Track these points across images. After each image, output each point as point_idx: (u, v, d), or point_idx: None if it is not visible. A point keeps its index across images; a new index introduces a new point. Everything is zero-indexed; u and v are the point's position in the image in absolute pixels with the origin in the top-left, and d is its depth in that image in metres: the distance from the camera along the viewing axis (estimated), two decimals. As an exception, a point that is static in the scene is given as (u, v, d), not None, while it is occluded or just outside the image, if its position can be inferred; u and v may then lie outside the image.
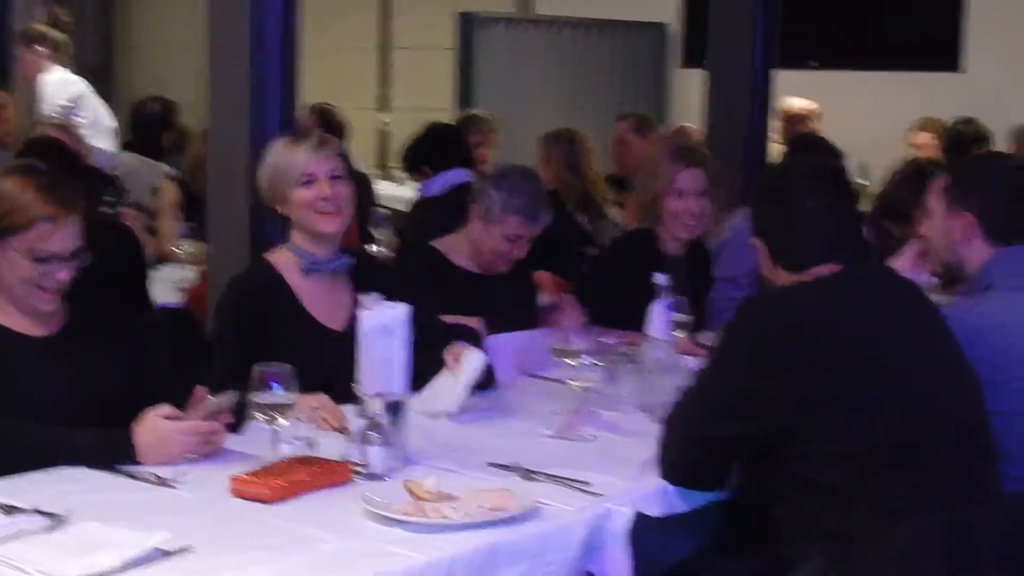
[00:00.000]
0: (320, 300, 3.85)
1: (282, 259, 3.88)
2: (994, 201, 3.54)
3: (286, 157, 3.83)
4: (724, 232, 5.41)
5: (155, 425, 3.16)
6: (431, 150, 6.88)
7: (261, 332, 3.72)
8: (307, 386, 3.23)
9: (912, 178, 5.69)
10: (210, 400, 3.17)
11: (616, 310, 4.35)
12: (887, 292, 3.19)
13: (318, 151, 3.82)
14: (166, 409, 3.17)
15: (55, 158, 4.73)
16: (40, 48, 8.37)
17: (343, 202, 3.82)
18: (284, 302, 3.82)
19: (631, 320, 4.37)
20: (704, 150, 5.15)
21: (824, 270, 3.16)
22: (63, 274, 3.27)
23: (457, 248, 4.75)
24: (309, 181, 3.79)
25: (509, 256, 4.69)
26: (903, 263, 4.34)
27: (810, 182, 3.25)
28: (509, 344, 4.30)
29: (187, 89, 10.96)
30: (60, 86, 8.30)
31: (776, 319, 3.09)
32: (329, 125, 6.85)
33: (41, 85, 8.33)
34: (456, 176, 6.60)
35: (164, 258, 6.25)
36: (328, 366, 3.49)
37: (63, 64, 8.44)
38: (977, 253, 3.53)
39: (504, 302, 4.64)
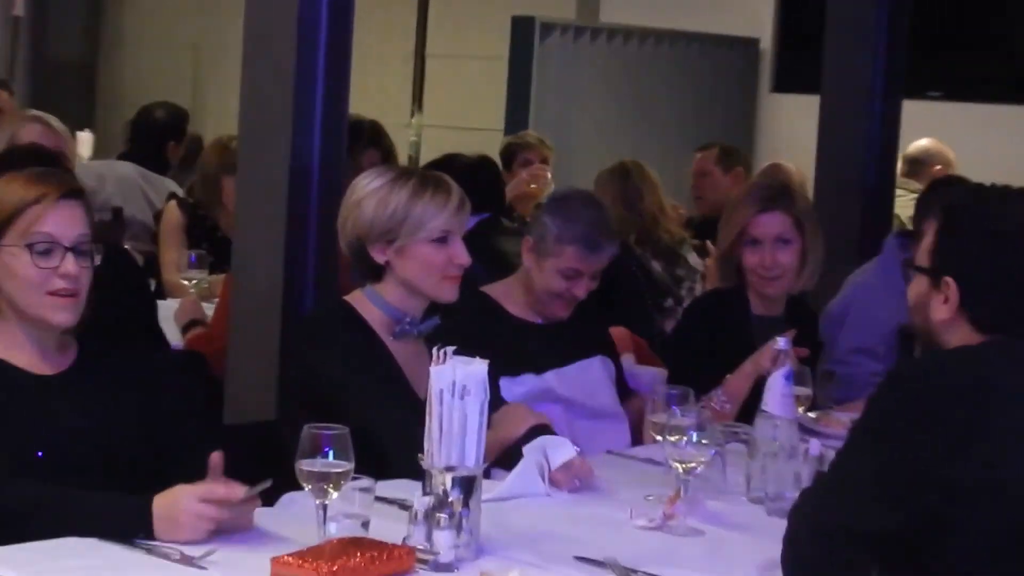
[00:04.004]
0: (409, 363, 3.93)
1: (367, 311, 3.95)
2: None
3: (419, 205, 3.88)
4: (847, 291, 5.36)
5: (172, 497, 3.13)
6: (476, 185, 6.76)
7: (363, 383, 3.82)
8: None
9: None
10: (250, 491, 3.13)
11: (703, 384, 4.33)
12: None
13: (461, 210, 3.94)
14: (200, 488, 3.13)
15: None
16: None
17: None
18: (382, 359, 3.89)
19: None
20: (792, 189, 5.04)
21: (996, 338, 3.08)
22: (69, 265, 3.29)
23: (511, 294, 4.70)
24: (443, 239, 3.89)
25: (568, 296, 4.61)
26: None
27: None
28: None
29: (182, 94, 11.02)
30: None
31: (923, 393, 3.01)
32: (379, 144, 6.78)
33: None
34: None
35: (168, 290, 6.23)
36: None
37: None
38: None
39: (569, 353, 4.64)
